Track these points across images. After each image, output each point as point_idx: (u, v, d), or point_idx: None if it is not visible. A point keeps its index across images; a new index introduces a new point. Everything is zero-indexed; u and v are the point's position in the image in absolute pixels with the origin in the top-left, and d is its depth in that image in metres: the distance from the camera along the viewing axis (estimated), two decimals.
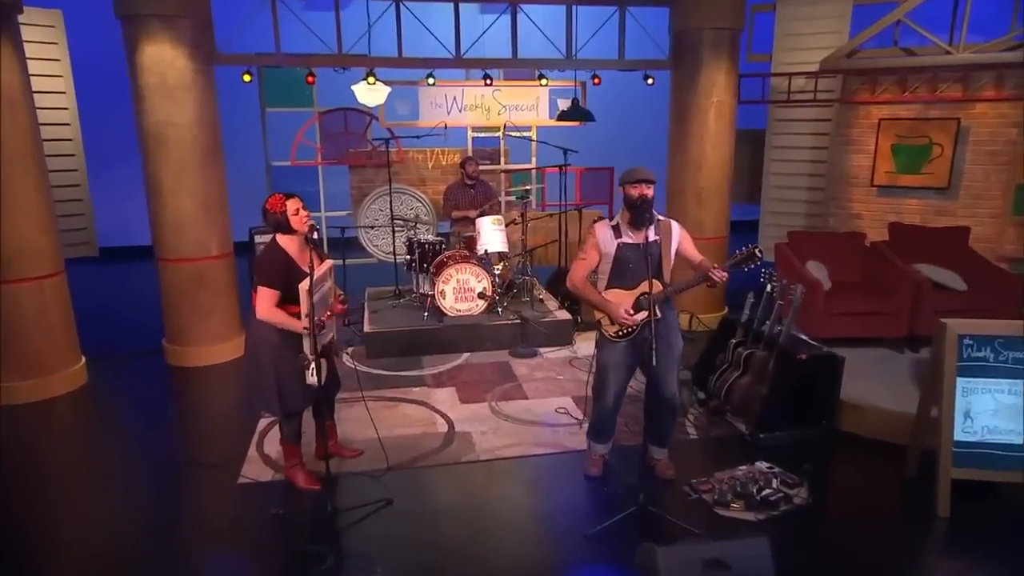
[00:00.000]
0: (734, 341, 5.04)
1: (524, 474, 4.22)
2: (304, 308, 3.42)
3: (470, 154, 8.02)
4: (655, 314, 3.53)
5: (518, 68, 7.42)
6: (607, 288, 3.80)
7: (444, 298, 6.23)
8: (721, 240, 6.99)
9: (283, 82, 7.53)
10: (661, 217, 3.79)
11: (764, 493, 3.83)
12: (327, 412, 4.14)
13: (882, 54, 6.91)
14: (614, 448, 4.23)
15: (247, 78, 6.56)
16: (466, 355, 6.19)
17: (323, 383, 3.56)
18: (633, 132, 9.76)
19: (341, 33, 6.44)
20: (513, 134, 7.93)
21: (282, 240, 3.66)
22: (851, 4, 7.14)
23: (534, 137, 7.97)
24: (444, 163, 8.15)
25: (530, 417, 4.94)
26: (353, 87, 6.79)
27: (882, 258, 5.83)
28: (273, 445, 4.48)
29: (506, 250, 6.63)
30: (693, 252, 3.86)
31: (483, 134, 8.22)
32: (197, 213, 5.89)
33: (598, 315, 3.86)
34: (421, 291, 6.83)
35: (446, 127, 7.34)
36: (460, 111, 7.84)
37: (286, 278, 3.58)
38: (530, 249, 7.03)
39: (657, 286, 3.63)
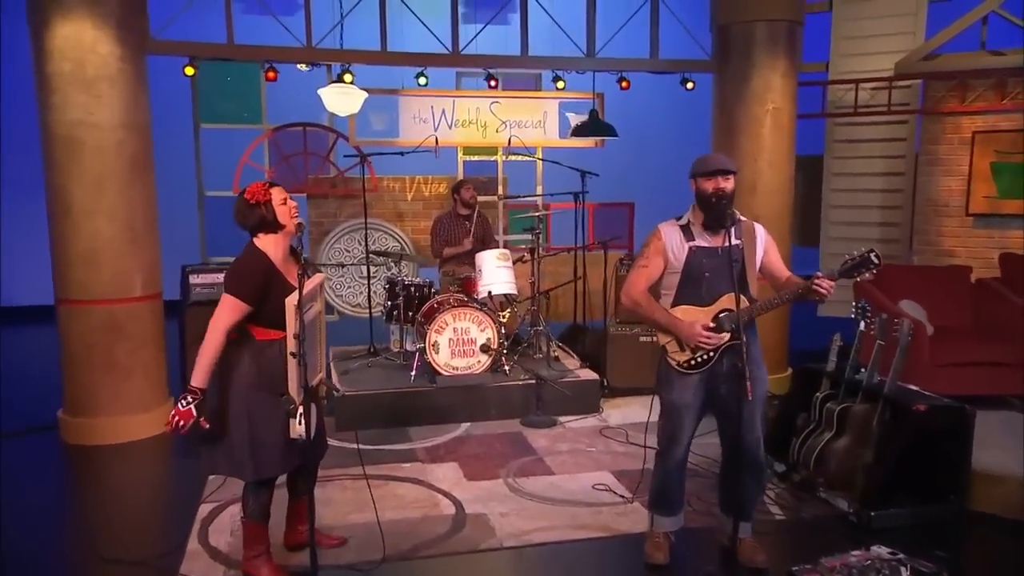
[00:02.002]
0: (820, 395, 4.93)
1: (566, 563, 4.04)
2: (291, 329, 3.23)
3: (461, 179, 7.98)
4: (741, 337, 3.44)
5: (528, 69, 7.50)
6: (673, 305, 3.73)
7: (437, 352, 6.04)
8: None
9: (224, 91, 7.44)
10: (743, 218, 3.74)
11: None
12: (308, 482, 3.86)
13: (966, 58, 7.12)
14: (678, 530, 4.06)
15: (190, 71, 6.52)
16: (465, 425, 6.00)
17: (310, 438, 3.34)
18: (658, 156, 9.86)
19: (311, 21, 6.47)
20: (515, 156, 7.92)
21: (263, 242, 3.50)
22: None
23: (540, 156, 7.95)
24: (427, 194, 8.06)
25: (561, 495, 4.78)
26: (320, 91, 6.76)
27: (996, 296, 5.86)
28: (221, 536, 4.24)
29: (515, 292, 6.51)
30: (780, 265, 3.85)
31: (476, 157, 8.20)
32: (118, 240, 5.71)
33: (663, 340, 3.77)
34: (404, 348, 6.64)
35: (437, 142, 7.32)
36: (450, 127, 7.81)
37: (265, 290, 3.41)
38: (544, 292, 6.93)
39: (743, 301, 3.55)
